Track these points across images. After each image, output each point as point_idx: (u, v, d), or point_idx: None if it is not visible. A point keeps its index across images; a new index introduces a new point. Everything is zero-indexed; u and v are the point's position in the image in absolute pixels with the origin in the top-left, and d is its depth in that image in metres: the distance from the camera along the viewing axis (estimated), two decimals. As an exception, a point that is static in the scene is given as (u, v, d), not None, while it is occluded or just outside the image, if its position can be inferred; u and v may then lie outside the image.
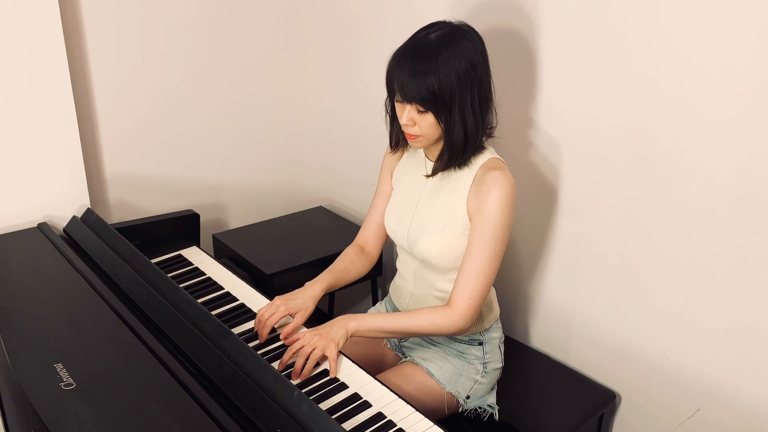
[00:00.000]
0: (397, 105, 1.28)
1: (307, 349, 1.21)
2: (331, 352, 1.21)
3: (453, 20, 1.27)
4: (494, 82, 1.29)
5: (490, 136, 1.34)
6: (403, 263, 1.48)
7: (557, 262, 1.63)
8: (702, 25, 1.22)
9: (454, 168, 1.33)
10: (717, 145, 1.25)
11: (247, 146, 2.17)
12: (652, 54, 1.31)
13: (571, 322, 1.64)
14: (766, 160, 1.20)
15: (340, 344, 1.23)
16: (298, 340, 1.25)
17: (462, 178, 1.33)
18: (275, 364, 1.23)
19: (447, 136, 1.26)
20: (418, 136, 1.27)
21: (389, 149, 1.47)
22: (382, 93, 1.36)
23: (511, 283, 1.74)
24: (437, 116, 1.23)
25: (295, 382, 1.18)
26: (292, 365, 1.22)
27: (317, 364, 1.23)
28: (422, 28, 1.26)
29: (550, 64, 1.50)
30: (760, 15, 1.14)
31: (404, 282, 1.48)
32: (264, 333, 1.30)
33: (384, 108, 1.38)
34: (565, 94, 1.48)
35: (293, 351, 1.23)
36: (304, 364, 1.20)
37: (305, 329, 1.34)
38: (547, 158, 1.57)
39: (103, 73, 1.78)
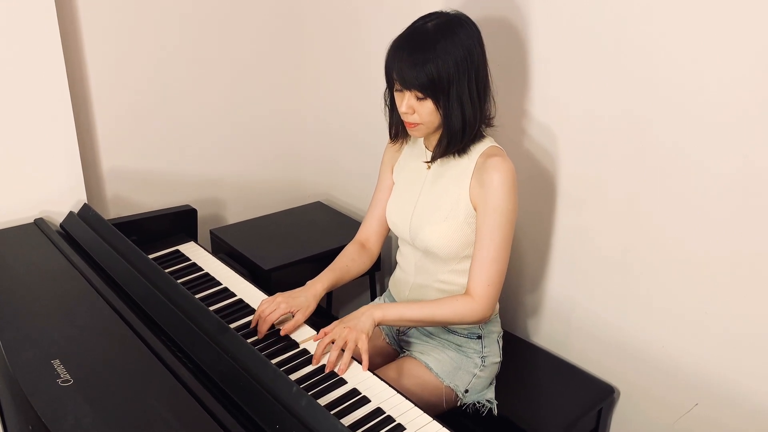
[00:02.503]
0: (396, 94, 1.29)
1: (339, 342, 1.22)
2: (363, 344, 1.22)
3: (449, 10, 1.28)
4: (493, 75, 1.30)
5: (489, 125, 1.35)
6: (404, 256, 1.48)
7: (556, 257, 1.63)
8: (702, 16, 1.22)
9: (454, 156, 1.34)
10: (716, 140, 1.25)
11: (245, 141, 2.16)
12: (651, 47, 1.30)
13: (569, 316, 1.64)
14: (765, 156, 1.19)
15: (369, 334, 1.24)
16: (326, 334, 1.26)
17: (463, 166, 1.33)
18: (275, 361, 1.22)
19: (445, 121, 1.27)
20: (417, 124, 1.28)
21: (390, 142, 1.47)
22: (382, 86, 1.36)
23: (509, 277, 1.74)
24: (436, 102, 1.24)
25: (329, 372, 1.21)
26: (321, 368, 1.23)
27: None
28: (418, 18, 1.27)
29: (549, 57, 1.49)
30: (761, 9, 1.13)
31: (405, 275, 1.48)
32: (263, 329, 1.30)
33: (383, 99, 1.38)
34: (564, 88, 1.48)
35: (324, 345, 1.24)
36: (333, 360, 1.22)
37: (307, 326, 1.35)
38: (546, 152, 1.57)
39: (100, 68, 1.77)
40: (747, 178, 1.23)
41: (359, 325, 1.25)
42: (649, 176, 1.38)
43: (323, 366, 1.22)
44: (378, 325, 1.28)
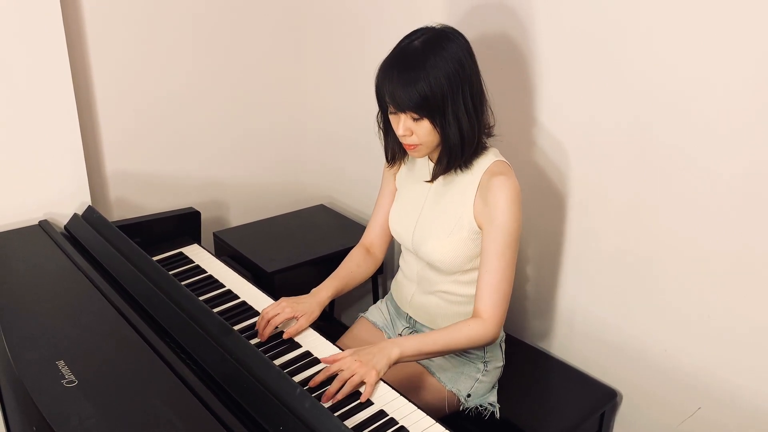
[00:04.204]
0: (392, 117, 1.27)
1: (345, 375, 1.15)
2: (370, 379, 1.15)
3: (435, 24, 1.26)
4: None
5: (489, 135, 1.33)
6: (407, 262, 1.48)
7: (559, 261, 1.63)
8: (705, 21, 1.22)
9: (456, 171, 1.32)
10: (720, 144, 1.25)
11: (249, 144, 2.17)
12: (655, 52, 1.31)
13: (572, 320, 1.64)
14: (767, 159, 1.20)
15: (381, 373, 1.17)
16: (336, 361, 1.19)
17: (466, 182, 1.32)
18: (279, 362, 1.22)
19: (443, 139, 1.24)
20: (417, 145, 1.26)
21: (387, 166, 1.46)
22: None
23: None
24: (432, 121, 1.22)
25: (326, 404, 1.12)
26: (324, 384, 1.17)
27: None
28: (405, 37, 1.25)
29: (552, 64, 1.49)
30: (763, 13, 1.14)
31: (407, 281, 1.48)
32: (267, 332, 1.30)
33: (376, 123, 1.37)
34: (568, 95, 1.48)
35: (330, 372, 1.17)
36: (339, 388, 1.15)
37: (311, 329, 1.34)
38: (549, 157, 1.57)
39: (105, 70, 1.78)
40: (752, 180, 1.23)
41: (372, 361, 1.17)
42: (653, 180, 1.38)
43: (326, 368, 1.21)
44: (395, 363, 1.21)
